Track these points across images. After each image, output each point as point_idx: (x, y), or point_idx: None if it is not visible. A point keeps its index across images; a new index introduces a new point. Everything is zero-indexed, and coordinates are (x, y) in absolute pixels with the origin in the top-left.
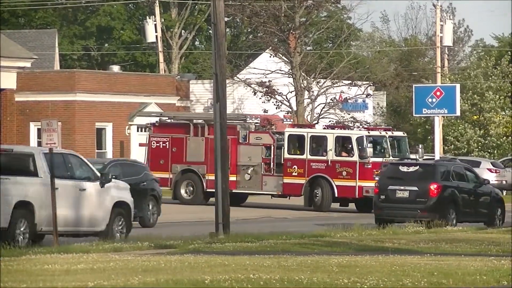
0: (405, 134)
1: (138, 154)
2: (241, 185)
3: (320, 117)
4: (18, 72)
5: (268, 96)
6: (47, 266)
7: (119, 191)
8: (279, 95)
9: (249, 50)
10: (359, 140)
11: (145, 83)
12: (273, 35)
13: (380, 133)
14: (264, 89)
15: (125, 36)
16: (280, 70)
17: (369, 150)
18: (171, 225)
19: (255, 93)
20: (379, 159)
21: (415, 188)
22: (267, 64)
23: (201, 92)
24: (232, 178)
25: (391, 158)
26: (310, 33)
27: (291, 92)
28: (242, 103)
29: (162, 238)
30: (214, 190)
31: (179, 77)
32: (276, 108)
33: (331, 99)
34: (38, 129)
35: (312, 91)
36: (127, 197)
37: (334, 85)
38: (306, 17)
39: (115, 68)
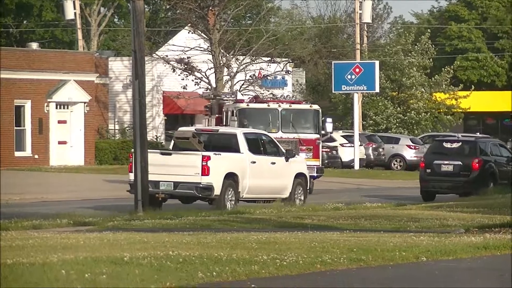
0: (313, 107)
1: (57, 131)
2: None
3: (241, 93)
4: None
5: (187, 73)
6: None
7: (299, 164)
8: (198, 72)
9: (168, 27)
10: (239, 111)
11: (64, 61)
12: (192, 12)
13: (269, 105)
14: (183, 66)
15: (44, 13)
16: (199, 47)
17: (246, 123)
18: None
19: (174, 70)
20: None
21: (459, 163)
22: (186, 41)
23: (120, 69)
24: None
25: (280, 132)
26: (229, 10)
27: (210, 69)
28: (161, 80)
29: (82, 215)
30: None
31: (98, 54)
32: (195, 84)
33: (250, 76)
34: None
35: (232, 68)
36: (305, 170)
37: (254, 62)
38: None
39: (34, 46)
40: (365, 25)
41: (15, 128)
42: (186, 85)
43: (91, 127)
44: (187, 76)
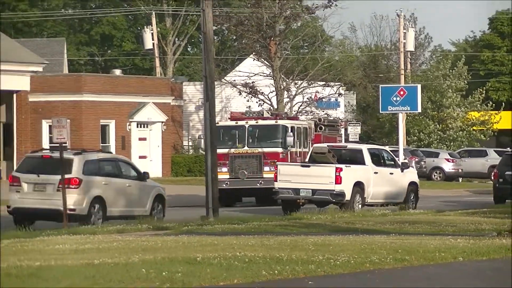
0: (278, 122)
1: (138, 148)
2: None
3: (298, 114)
4: (32, 75)
5: (251, 96)
6: (58, 246)
7: (412, 174)
8: (261, 95)
9: (235, 55)
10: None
11: (143, 85)
12: (256, 42)
13: (237, 123)
14: (248, 90)
15: (125, 44)
16: (262, 73)
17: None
18: None
19: (240, 93)
20: (225, 150)
21: None
22: (250, 68)
23: (193, 92)
24: None
25: (246, 148)
26: (288, 40)
27: (272, 92)
28: (229, 102)
29: (160, 221)
30: None
31: (173, 79)
32: (259, 106)
33: (307, 98)
34: (49, 126)
35: (291, 91)
36: (416, 179)
37: (310, 86)
38: (285, 26)
39: (117, 72)
40: (409, 53)
41: (101, 144)
42: (250, 106)
43: (168, 143)
44: (251, 98)
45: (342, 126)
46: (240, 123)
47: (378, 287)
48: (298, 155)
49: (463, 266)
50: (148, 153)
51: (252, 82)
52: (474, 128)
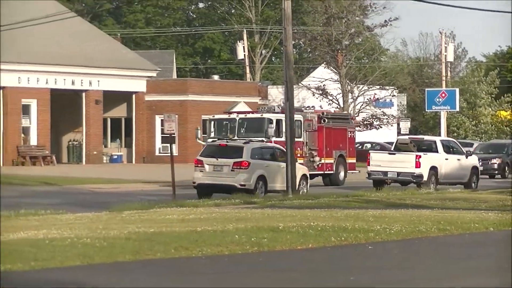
0: (263, 116)
1: None
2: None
3: (360, 111)
4: (147, 80)
5: (322, 97)
6: (168, 216)
7: (474, 160)
8: (330, 96)
9: (309, 64)
10: (208, 121)
11: (236, 88)
12: (326, 54)
13: (229, 116)
14: (320, 92)
15: (222, 54)
16: (331, 78)
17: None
18: None
19: (313, 94)
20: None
21: None
22: (322, 74)
23: (276, 94)
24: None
25: (236, 137)
26: (352, 52)
27: (339, 94)
28: (304, 102)
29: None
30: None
31: (260, 83)
32: (328, 105)
33: (367, 99)
34: (161, 120)
35: (354, 93)
36: (477, 164)
37: (369, 89)
38: (350, 41)
39: (215, 77)
40: (449, 63)
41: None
42: (321, 106)
43: None
44: (322, 99)
45: (353, 120)
46: (232, 116)
47: (424, 250)
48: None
49: (493, 235)
50: None
51: (323, 86)
52: (502, 124)
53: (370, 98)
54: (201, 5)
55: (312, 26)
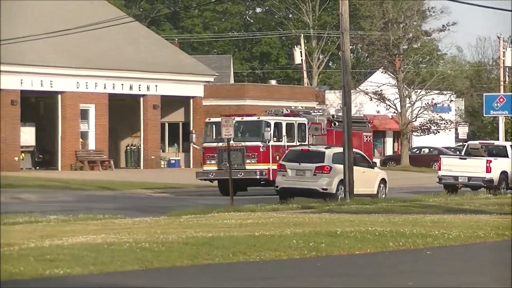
0: (260, 118)
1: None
2: None
3: (417, 116)
4: (205, 84)
5: (380, 102)
6: (226, 221)
7: None
8: (388, 101)
9: (367, 69)
10: (205, 124)
11: (294, 92)
12: (383, 58)
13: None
14: (377, 96)
15: (280, 59)
16: (388, 83)
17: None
18: None
19: (371, 99)
20: (214, 144)
21: None
22: (379, 79)
23: (333, 99)
24: None
25: (232, 141)
26: (410, 57)
27: (396, 99)
28: (362, 107)
29: (306, 201)
30: None
31: (317, 88)
32: (386, 110)
33: (425, 104)
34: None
35: (411, 98)
36: None
37: (427, 94)
38: (408, 45)
39: (273, 82)
40: (507, 68)
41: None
42: (379, 111)
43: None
44: (380, 104)
45: (371, 123)
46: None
47: (483, 255)
48: (286, 149)
49: None
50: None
51: (381, 91)
52: None
53: (427, 103)
54: (258, 10)
55: (369, 31)
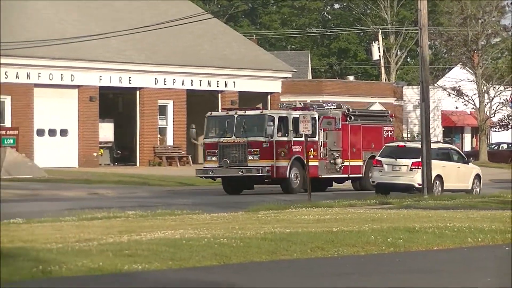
0: (263, 112)
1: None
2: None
3: (496, 112)
4: (282, 80)
5: (458, 97)
6: (304, 216)
7: None
8: (466, 97)
9: (445, 65)
10: (206, 119)
11: (371, 88)
12: (462, 54)
13: (228, 113)
14: (455, 92)
15: (358, 55)
16: (467, 79)
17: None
18: None
19: (449, 95)
20: (215, 140)
21: None
22: (457, 74)
23: (411, 95)
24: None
25: (233, 137)
26: (488, 52)
27: (475, 95)
28: (440, 103)
29: (383, 197)
30: None
31: (395, 84)
32: (464, 105)
33: (503, 100)
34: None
35: (489, 94)
36: None
37: (506, 89)
38: (486, 41)
39: (351, 78)
40: None
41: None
42: (457, 106)
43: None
44: (458, 100)
45: (392, 117)
46: (230, 113)
47: None
48: (292, 144)
49: None
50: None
51: (459, 86)
52: None
53: (506, 98)
54: (336, 6)
55: (448, 26)
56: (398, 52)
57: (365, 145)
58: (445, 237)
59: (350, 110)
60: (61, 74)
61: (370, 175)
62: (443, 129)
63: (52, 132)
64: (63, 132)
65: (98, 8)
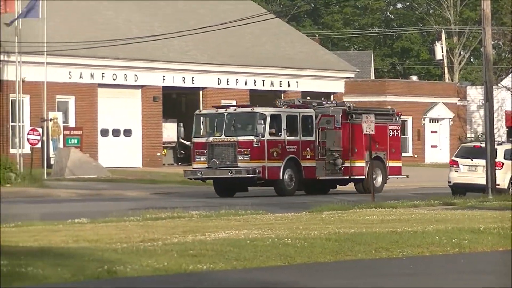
0: (254, 110)
1: (430, 139)
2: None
3: None
4: (345, 80)
5: None
6: (367, 217)
7: None
8: None
9: (509, 65)
10: (195, 117)
11: (434, 89)
12: None
13: (217, 110)
14: None
15: (421, 55)
16: None
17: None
18: None
19: None
20: (203, 139)
21: None
22: None
23: (474, 95)
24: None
25: (223, 136)
26: None
27: None
28: (504, 103)
29: (447, 198)
30: None
31: (458, 84)
32: None
33: None
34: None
35: None
36: None
37: None
38: None
39: (413, 78)
40: None
41: (401, 136)
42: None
43: (454, 135)
44: None
45: (398, 115)
46: (220, 111)
47: None
48: (286, 144)
49: None
50: (438, 143)
51: None
52: None
53: None
54: (399, 5)
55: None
56: (462, 52)
57: (368, 145)
58: (510, 238)
59: (352, 108)
60: (125, 74)
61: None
62: (507, 129)
63: (116, 132)
64: (127, 132)
65: (160, 8)
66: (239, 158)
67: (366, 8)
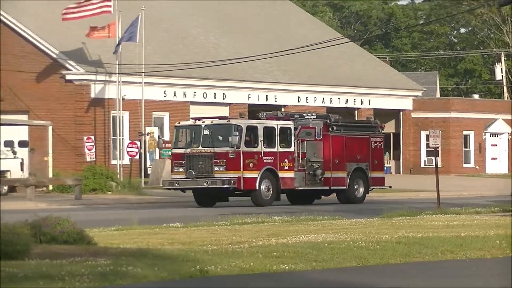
0: (230, 122)
1: (490, 152)
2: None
3: None
4: (413, 98)
5: None
6: (434, 222)
7: None
8: None
9: None
10: (175, 129)
11: (494, 106)
12: None
13: (195, 122)
14: None
15: (482, 75)
16: None
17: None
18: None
19: None
20: (182, 150)
21: None
22: None
23: None
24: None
25: (200, 147)
26: None
27: None
28: None
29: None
30: None
31: None
32: None
33: None
34: (426, 135)
35: None
36: None
37: None
38: None
39: (475, 96)
40: None
41: (463, 149)
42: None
43: None
44: None
45: (381, 127)
46: (198, 122)
47: None
48: (263, 155)
49: None
50: (498, 156)
51: None
52: None
53: None
54: (462, 30)
55: None
56: None
57: (349, 156)
58: None
59: (332, 120)
60: (214, 93)
61: None
62: None
63: None
64: None
65: (246, 34)
66: (215, 169)
67: (432, 32)
